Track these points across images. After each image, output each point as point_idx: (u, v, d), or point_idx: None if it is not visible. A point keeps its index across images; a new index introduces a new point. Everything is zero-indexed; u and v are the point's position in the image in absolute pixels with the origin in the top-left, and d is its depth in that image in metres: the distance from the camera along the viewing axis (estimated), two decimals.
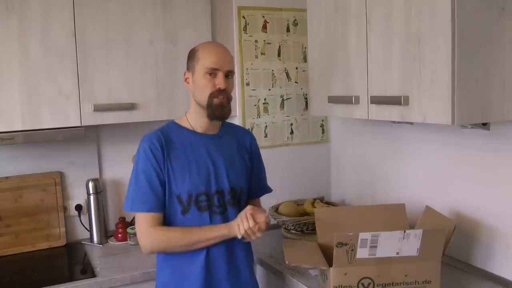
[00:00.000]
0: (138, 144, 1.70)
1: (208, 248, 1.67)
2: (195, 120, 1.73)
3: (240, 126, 1.95)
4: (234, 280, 1.73)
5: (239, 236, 1.61)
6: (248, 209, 1.63)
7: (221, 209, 1.70)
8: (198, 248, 1.65)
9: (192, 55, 1.70)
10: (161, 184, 1.66)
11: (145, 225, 1.65)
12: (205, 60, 1.65)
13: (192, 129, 1.73)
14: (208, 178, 1.69)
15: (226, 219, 1.70)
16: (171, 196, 1.67)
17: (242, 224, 1.60)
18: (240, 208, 1.72)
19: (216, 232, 1.65)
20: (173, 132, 1.72)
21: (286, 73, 2.59)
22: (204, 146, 1.72)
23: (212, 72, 1.64)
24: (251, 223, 1.58)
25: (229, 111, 1.70)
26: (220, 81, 1.64)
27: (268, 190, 1.95)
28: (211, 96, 1.65)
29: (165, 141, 1.67)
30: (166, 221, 1.68)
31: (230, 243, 1.69)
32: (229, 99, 1.68)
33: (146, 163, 1.65)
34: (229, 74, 1.68)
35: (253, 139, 1.89)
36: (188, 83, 1.72)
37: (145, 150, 1.65)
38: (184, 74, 1.74)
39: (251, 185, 1.84)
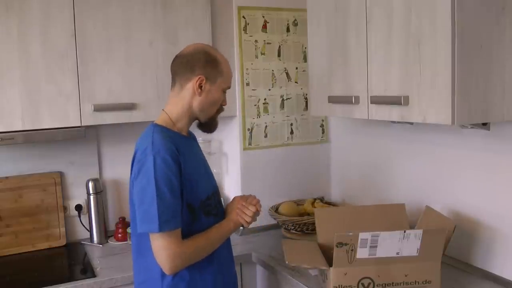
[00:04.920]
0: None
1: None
2: (184, 124, 1.64)
3: None
4: (224, 277, 1.72)
5: (246, 225, 1.69)
6: (239, 199, 1.71)
7: (216, 210, 1.70)
8: (215, 248, 1.63)
9: (214, 65, 1.59)
10: (181, 194, 1.51)
11: (176, 244, 1.47)
12: (228, 78, 1.65)
13: (180, 133, 1.64)
14: (208, 181, 1.70)
15: (221, 219, 1.69)
16: (183, 206, 1.53)
17: (246, 215, 1.66)
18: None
19: (226, 228, 1.66)
20: (173, 137, 1.57)
21: (286, 73, 2.59)
22: (196, 149, 1.73)
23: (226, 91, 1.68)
24: (253, 209, 1.66)
25: None
26: (226, 99, 1.69)
27: None
28: (218, 111, 1.68)
29: (176, 147, 1.52)
30: None
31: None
32: None
33: (167, 173, 1.46)
34: None
35: None
36: (202, 90, 1.58)
37: (164, 159, 1.46)
38: (199, 79, 1.57)
39: None
